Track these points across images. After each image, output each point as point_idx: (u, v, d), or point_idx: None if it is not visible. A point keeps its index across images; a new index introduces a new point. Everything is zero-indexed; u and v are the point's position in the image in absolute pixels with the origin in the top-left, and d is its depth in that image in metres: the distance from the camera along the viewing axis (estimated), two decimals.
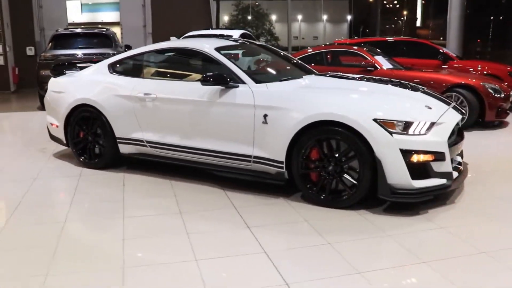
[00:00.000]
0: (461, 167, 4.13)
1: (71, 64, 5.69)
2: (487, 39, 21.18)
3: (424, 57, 9.27)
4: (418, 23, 32.76)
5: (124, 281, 2.68)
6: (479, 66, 9.14)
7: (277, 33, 30.36)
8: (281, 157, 3.82)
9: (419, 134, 3.56)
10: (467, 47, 18.52)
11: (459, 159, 4.24)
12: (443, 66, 8.86)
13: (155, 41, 12.62)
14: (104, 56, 6.91)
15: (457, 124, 4.20)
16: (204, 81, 4.07)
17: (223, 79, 4.04)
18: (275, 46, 28.76)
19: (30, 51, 12.81)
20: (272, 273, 2.74)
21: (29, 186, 4.44)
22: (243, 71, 4.18)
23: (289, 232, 3.35)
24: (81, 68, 5.32)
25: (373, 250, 3.06)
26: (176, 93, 4.38)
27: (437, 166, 3.61)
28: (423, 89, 4.32)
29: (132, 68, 4.94)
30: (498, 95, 6.78)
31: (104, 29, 10.28)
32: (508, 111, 7.07)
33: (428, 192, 3.59)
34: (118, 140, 4.73)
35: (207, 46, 4.47)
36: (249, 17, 28.83)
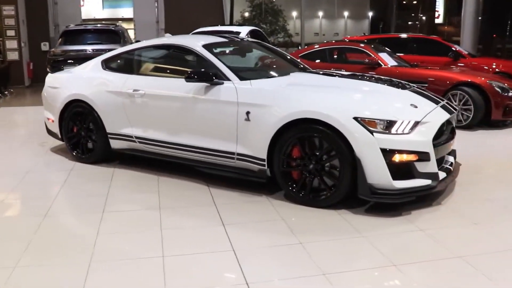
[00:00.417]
0: (452, 168, 4.01)
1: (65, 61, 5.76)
2: (504, 35, 20.50)
3: (436, 54, 9.08)
4: (441, 20, 32.00)
5: (88, 275, 2.69)
6: (494, 64, 8.90)
7: (294, 29, 30.08)
8: (263, 154, 3.79)
9: (402, 133, 3.46)
10: (486, 43, 17.99)
11: (451, 159, 4.12)
12: (458, 64, 8.66)
13: None
14: None
15: (449, 123, 4.08)
16: (188, 78, 4.06)
17: (207, 75, 4.02)
18: (289, 43, 28.18)
19: (44, 46, 13.07)
20: (235, 272, 2.71)
21: (21, 179, 4.52)
22: (229, 68, 4.15)
23: (264, 230, 3.31)
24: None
25: (344, 252, 2.98)
26: (163, 89, 4.38)
27: (422, 167, 3.52)
28: (413, 87, 4.21)
29: (124, 64, 4.96)
30: (506, 94, 6.56)
31: (113, 25, 10.40)
32: None
33: (410, 193, 3.50)
34: (109, 136, 4.77)
35: (196, 43, 4.46)
36: (263, 14, 28.56)
